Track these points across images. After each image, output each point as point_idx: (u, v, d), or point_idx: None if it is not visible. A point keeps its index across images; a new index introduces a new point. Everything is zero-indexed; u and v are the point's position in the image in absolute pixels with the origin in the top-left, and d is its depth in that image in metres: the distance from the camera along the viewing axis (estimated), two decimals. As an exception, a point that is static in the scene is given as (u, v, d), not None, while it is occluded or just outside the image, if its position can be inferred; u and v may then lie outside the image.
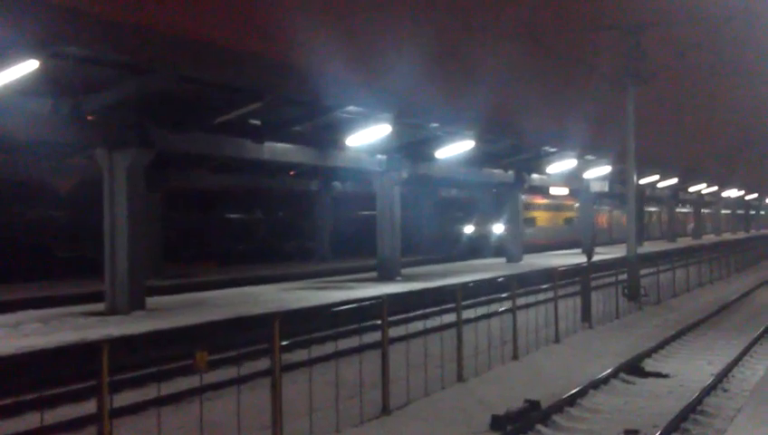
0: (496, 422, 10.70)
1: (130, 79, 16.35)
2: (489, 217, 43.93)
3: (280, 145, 22.34)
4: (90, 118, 17.49)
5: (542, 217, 49.03)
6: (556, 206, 50.78)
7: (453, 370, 12.98)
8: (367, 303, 16.51)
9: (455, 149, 27.11)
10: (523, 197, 38.50)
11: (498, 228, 42.37)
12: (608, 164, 39.37)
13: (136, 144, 18.03)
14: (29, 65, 13.81)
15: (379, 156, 26.36)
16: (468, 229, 45.72)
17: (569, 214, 52.13)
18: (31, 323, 15.70)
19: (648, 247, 45.90)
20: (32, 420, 10.01)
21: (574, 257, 34.96)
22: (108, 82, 16.50)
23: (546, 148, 33.39)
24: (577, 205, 48.65)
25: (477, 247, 42.67)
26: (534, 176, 37.36)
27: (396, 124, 22.79)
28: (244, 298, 20.23)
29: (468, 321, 14.76)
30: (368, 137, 23.03)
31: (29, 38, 13.56)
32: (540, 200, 48.18)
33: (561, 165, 35.87)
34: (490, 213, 43.50)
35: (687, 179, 56.96)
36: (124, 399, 11.27)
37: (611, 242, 54.64)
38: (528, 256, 37.09)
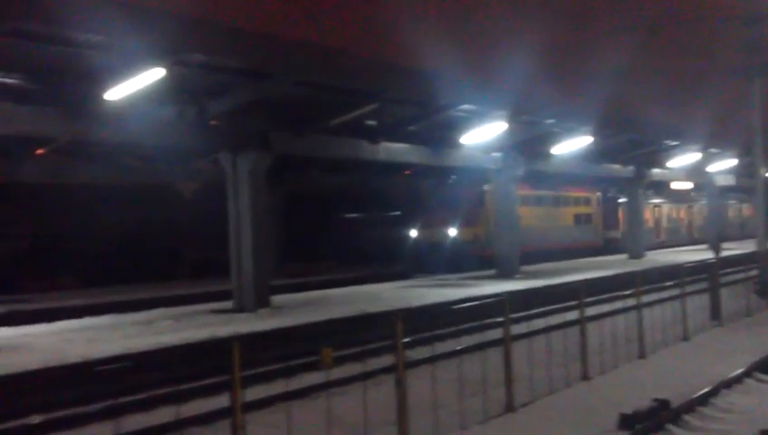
0: (624, 421, 10.43)
1: (250, 84, 16.77)
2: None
3: (395, 145, 22.48)
4: (213, 123, 18.03)
5: (531, 214, 36.20)
6: (555, 199, 39.23)
7: (577, 368, 12.75)
8: (489, 300, 16.44)
9: (571, 145, 26.67)
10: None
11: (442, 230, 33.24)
12: (734, 157, 37.95)
13: (257, 148, 18.50)
14: (156, 73, 14.35)
15: (495, 154, 26.18)
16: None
17: (580, 209, 41.45)
18: (163, 320, 16.32)
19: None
20: (167, 413, 10.39)
21: (696, 254, 33.78)
22: (229, 87, 16.99)
23: (667, 141, 32.44)
24: (596, 196, 42.01)
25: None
26: (655, 170, 36.39)
27: (511, 121, 22.60)
28: (364, 296, 20.45)
29: (592, 319, 14.48)
30: (483, 135, 22.93)
31: (156, 47, 14.09)
32: (527, 191, 35.77)
33: (684, 159, 34.79)
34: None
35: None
36: (252, 394, 11.56)
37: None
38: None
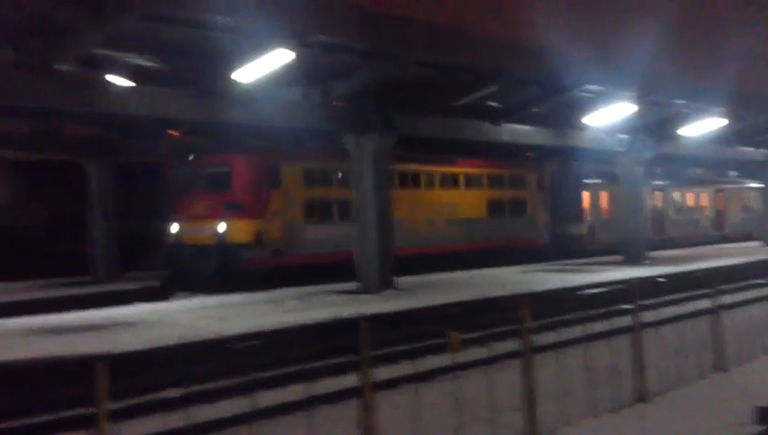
0: (762, 414, 10.00)
1: (374, 65, 16.84)
2: None
3: (519, 127, 22.20)
4: (337, 104, 18.21)
5: (405, 201, 24.60)
6: (446, 178, 27.47)
7: (710, 358, 12.29)
8: (618, 286, 16.06)
9: (702, 127, 25.70)
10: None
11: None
12: None
13: (380, 129, 18.58)
14: (283, 55, 14.57)
15: (621, 135, 25.51)
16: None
17: (502, 193, 29.40)
18: (290, 299, 16.67)
19: None
20: (296, 391, 10.58)
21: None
22: (353, 69, 17.11)
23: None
24: (536, 175, 30.99)
25: None
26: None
27: (638, 102, 21.95)
28: (486, 279, 20.34)
29: (727, 307, 13.93)
30: (608, 116, 22.38)
31: (282, 29, 14.30)
32: (418, 167, 26.22)
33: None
34: None
35: None
36: (379, 374, 11.64)
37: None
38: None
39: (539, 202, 30.73)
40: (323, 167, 23.32)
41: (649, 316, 13.88)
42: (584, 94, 21.35)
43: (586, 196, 33.02)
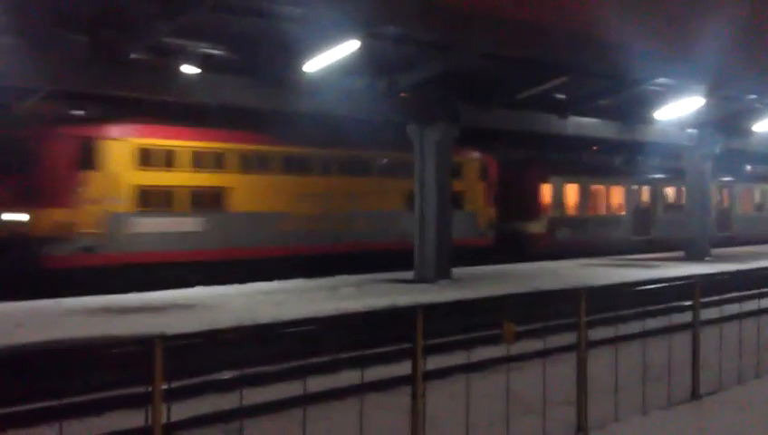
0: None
1: (439, 57, 16.91)
2: None
3: (585, 120, 22.04)
4: (402, 95, 18.34)
5: (265, 189, 21.14)
6: (357, 162, 23.38)
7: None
8: (677, 283, 15.90)
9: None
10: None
11: None
12: None
13: (444, 120, 18.66)
14: (351, 45, 14.76)
15: (690, 130, 25.10)
16: None
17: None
18: (346, 287, 16.90)
19: None
20: (350, 377, 10.80)
21: None
22: (418, 60, 17.21)
23: None
24: (478, 161, 26.06)
25: None
26: None
27: (708, 96, 21.58)
28: (543, 272, 20.29)
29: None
30: (677, 110, 22.06)
31: (351, 19, 14.47)
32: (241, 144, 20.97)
33: None
34: None
35: None
36: (432, 363, 11.79)
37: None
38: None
39: (480, 195, 25.90)
40: (171, 144, 19.26)
41: (710, 314, 13.72)
42: (653, 88, 21.10)
43: (547, 189, 28.24)
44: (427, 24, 15.72)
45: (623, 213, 31.29)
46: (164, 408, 5.57)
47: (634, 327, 12.98)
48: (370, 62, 16.79)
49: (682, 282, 15.52)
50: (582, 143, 28.87)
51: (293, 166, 21.55)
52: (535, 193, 28.11)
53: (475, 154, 25.91)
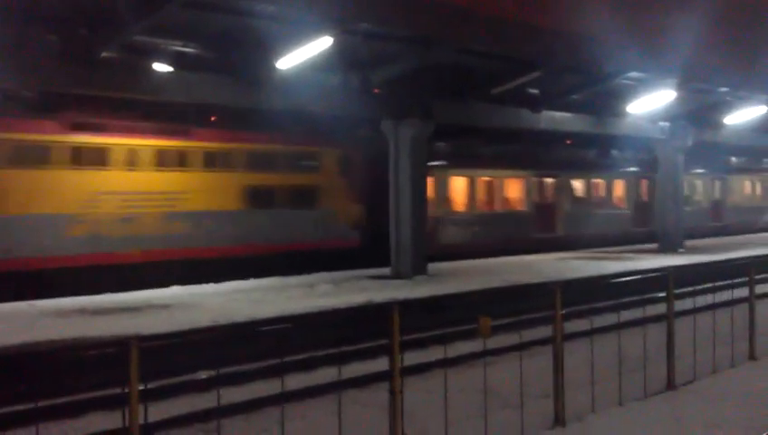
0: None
1: (413, 52, 16.93)
2: None
3: (558, 114, 22.15)
4: (376, 91, 18.34)
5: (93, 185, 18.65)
6: (175, 154, 20.08)
7: (744, 348, 12.27)
8: (650, 275, 16.04)
9: (746, 115, 25.39)
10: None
11: None
12: None
13: (419, 116, 18.68)
14: (324, 42, 14.73)
15: (662, 123, 25.31)
16: None
17: (270, 178, 21.65)
18: (323, 284, 16.88)
19: None
20: (328, 373, 10.80)
21: None
22: (392, 56, 17.24)
23: None
24: (337, 153, 22.96)
25: None
26: None
27: (680, 89, 21.77)
28: (519, 267, 20.39)
29: (763, 296, 13.86)
30: (649, 103, 22.24)
31: (325, 16, 14.44)
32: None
33: None
34: None
35: None
36: (408, 359, 11.81)
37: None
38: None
39: (342, 190, 22.79)
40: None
41: (683, 305, 13.85)
42: (626, 82, 21.23)
43: (430, 183, 23.52)
44: (401, 20, 15.74)
45: (524, 208, 28.37)
46: (141, 408, 5.55)
47: (609, 319, 13.09)
48: (344, 58, 16.77)
49: (656, 274, 15.64)
50: (555, 138, 28.91)
51: (84, 158, 18.38)
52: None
53: (336, 144, 22.86)
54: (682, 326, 11.70)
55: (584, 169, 30.94)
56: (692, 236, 29.50)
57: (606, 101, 22.82)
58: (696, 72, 21.68)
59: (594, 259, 22.56)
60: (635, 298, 14.59)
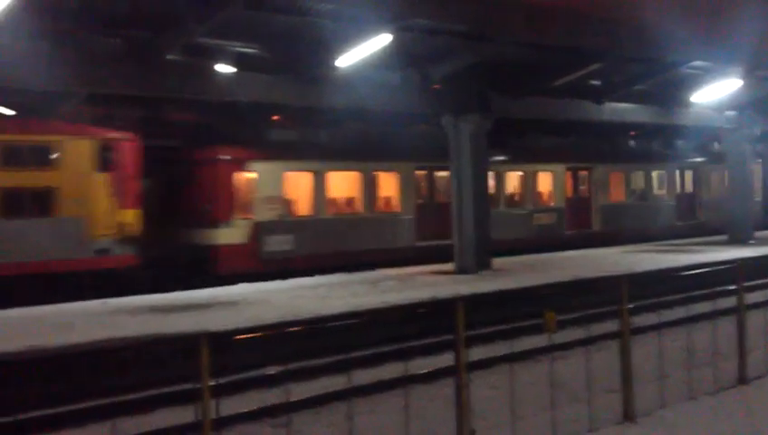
0: None
1: (472, 47, 16.86)
2: None
3: (621, 105, 21.85)
4: (435, 87, 18.32)
5: None
6: None
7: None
8: (721, 267, 15.74)
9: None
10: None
11: None
12: None
13: (478, 110, 18.61)
14: (383, 39, 14.77)
15: (728, 112, 24.77)
16: None
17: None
18: (387, 280, 16.94)
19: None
20: (394, 369, 10.85)
21: None
22: (450, 51, 17.18)
23: None
24: (85, 147, 17.18)
25: None
26: None
27: (747, 77, 21.27)
28: (585, 261, 20.18)
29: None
30: (715, 93, 21.78)
31: (382, 13, 14.47)
32: None
33: None
34: None
35: None
36: (475, 354, 11.78)
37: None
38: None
39: (101, 193, 17.43)
40: None
41: (755, 297, 13.59)
42: (690, 71, 20.85)
43: (246, 180, 20.12)
44: (459, 15, 15.69)
45: (399, 210, 22.81)
46: (213, 403, 5.66)
47: (678, 313, 12.91)
48: (403, 55, 16.78)
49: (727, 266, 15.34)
50: (619, 129, 28.07)
51: None
52: (223, 187, 19.83)
53: (93, 131, 17.74)
54: (755, 319, 11.48)
55: (622, 161, 28.90)
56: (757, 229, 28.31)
57: (669, 90, 22.43)
58: (763, 60, 21.17)
59: (660, 252, 22.20)
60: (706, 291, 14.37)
